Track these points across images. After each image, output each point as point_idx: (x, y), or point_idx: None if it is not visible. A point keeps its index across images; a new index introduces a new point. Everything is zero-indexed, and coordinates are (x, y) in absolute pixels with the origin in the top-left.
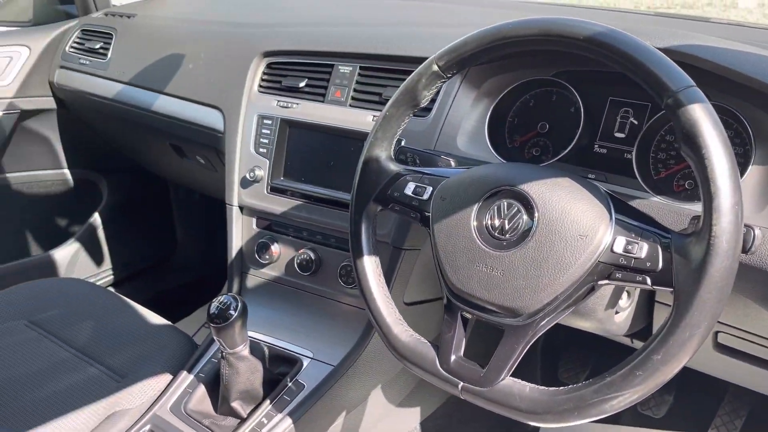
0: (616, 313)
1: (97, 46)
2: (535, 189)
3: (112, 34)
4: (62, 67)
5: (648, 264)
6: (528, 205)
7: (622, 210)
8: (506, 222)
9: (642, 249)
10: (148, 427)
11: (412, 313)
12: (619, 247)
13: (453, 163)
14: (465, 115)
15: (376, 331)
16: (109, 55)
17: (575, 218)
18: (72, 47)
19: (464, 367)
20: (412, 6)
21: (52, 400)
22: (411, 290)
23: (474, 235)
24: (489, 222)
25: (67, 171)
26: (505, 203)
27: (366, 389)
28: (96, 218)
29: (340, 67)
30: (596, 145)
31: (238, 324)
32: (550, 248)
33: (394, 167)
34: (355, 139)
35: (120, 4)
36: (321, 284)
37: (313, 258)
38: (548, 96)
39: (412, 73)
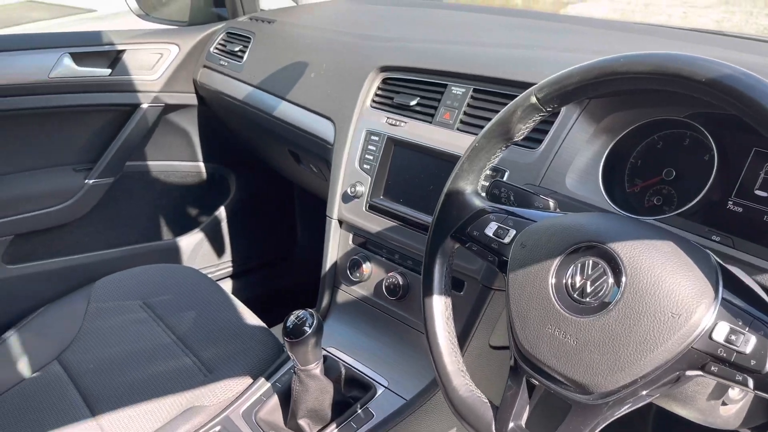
0: (724, 404)
1: (236, 49)
2: (626, 250)
3: (250, 38)
4: (205, 66)
5: (752, 362)
6: (616, 267)
7: (732, 288)
8: (588, 284)
9: (748, 342)
10: (218, 429)
11: (498, 357)
12: (720, 334)
13: (552, 205)
14: (579, 151)
15: (435, 378)
16: (244, 58)
17: (670, 291)
18: (216, 48)
19: None
20: (533, 27)
21: (145, 384)
22: (499, 333)
23: (550, 293)
24: (569, 281)
25: (201, 164)
26: (591, 262)
27: (436, 430)
28: (222, 211)
29: (453, 87)
30: (730, 202)
31: (312, 341)
32: (634, 323)
33: (478, 203)
34: None
35: (267, 9)
36: (406, 311)
37: (401, 283)
38: (679, 139)
39: (509, 104)
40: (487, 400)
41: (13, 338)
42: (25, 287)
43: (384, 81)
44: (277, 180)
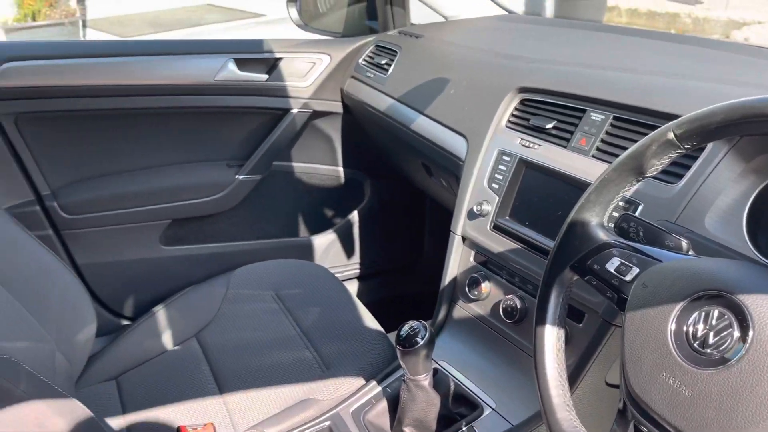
0: None
1: (383, 62)
2: (758, 303)
3: (396, 52)
4: (353, 77)
5: None
6: (744, 321)
7: None
8: (711, 335)
9: None
10: (327, 423)
11: (613, 395)
12: None
13: (684, 246)
14: (723, 190)
15: (540, 408)
16: (389, 71)
17: None
18: (364, 60)
19: None
20: (687, 54)
21: (268, 370)
22: (617, 370)
23: (669, 339)
24: (690, 329)
25: (340, 169)
26: (716, 312)
27: None
28: (355, 215)
29: (592, 113)
30: None
31: (423, 353)
32: (756, 382)
33: (602, 236)
34: None
35: (418, 24)
36: (521, 335)
37: (519, 306)
38: None
39: (644, 137)
40: None
41: (161, 313)
42: (175, 268)
43: (521, 102)
44: (410, 190)
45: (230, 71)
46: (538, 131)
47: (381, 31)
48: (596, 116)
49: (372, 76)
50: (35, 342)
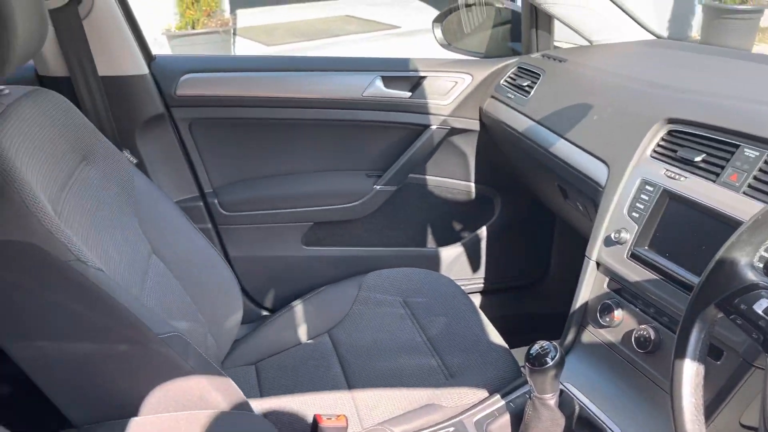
0: None
1: (524, 84)
2: None
3: (540, 75)
4: (493, 96)
5: None
6: None
7: None
8: None
9: None
10: (451, 429)
11: None
12: None
13: None
14: None
15: None
16: (531, 94)
17: None
18: (505, 81)
19: None
20: None
21: (393, 373)
22: (753, 412)
23: None
24: None
25: (472, 184)
26: None
27: None
28: (483, 230)
29: (746, 149)
30: None
31: (551, 373)
32: None
33: (751, 276)
34: None
35: (563, 47)
36: (653, 367)
37: (652, 337)
38: None
39: None
40: None
41: (298, 308)
42: (313, 267)
43: (669, 132)
44: (540, 210)
45: (377, 88)
46: (686, 163)
47: (524, 53)
48: (750, 152)
49: (512, 97)
50: (192, 323)
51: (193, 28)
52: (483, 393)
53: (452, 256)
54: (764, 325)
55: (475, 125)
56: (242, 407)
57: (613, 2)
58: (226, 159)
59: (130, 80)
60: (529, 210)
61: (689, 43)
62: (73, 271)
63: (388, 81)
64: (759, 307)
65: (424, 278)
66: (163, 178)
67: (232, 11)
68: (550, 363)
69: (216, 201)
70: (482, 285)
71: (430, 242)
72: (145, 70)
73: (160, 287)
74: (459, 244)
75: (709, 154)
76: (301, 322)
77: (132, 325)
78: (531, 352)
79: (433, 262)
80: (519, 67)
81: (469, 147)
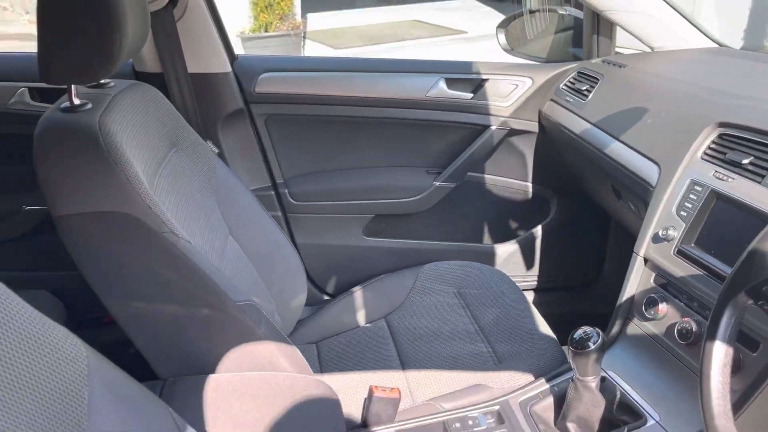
0: None
1: (583, 88)
2: None
3: (598, 80)
4: (552, 99)
5: None
6: None
7: None
8: None
9: None
10: (497, 408)
11: None
12: None
13: None
14: None
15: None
16: (589, 97)
17: None
18: (565, 85)
19: None
20: None
21: (445, 356)
22: None
23: None
24: None
25: (529, 184)
26: None
27: None
28: (538, 229)
29: None
30: None
31: (593, 357)
32: None
33: None
34: None
35: (624, 53)
36: (693, 358)
37: (694, 330)
38: None
39: None
40: None
41: (358, 294)
42: (372, 256)
43: (720, 136)
44: (595, 210)
45: (440, 89)
46: (734, 165)
47: (585, 58)
48: None
49: (571, 100)
50: (261, 301)
51: (266, 30)
52: (529, 377)
53: (507, 252)
54: None
55: (534, 127)
56: (305, 372)
57: (675, 10)
58: (297, 152)
59: (215, 77)
60: (585, 211)
61: (752, 52)
62: (166, 242)
63: (450, 82)
64: None
65: (479, 272)
66: (240, 168)
67: (303, 15)
68: (592, 347)
69: (286, 191)
70: (536, 283)
71: (486, 239)
72: (229, 69)
73: (234, 266)
74: (514, 241)
75: (756, 157)
76: (360, 307)
77: (213, 292)
78: (574, 336)
79: (488, 258)
80: (579, 72)
81: (527, 148)
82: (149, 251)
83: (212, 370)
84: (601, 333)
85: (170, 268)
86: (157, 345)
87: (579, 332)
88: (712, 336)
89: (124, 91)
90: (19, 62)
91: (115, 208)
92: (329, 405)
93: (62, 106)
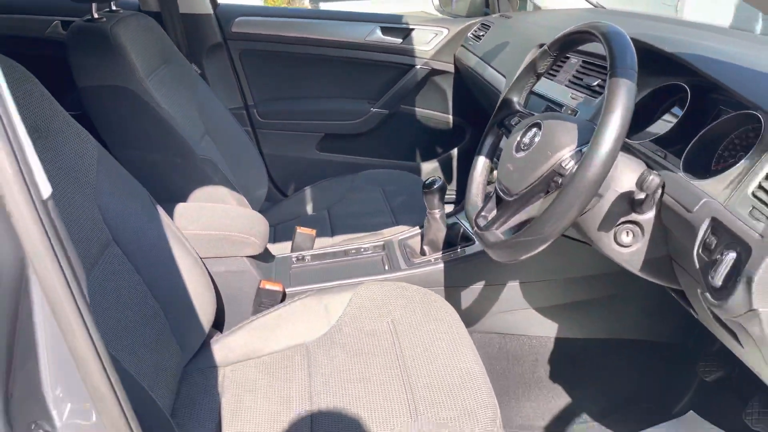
0: (619, 245)
1: (480, 34)
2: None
3: (490, 27)
4: (462, 45)
5: (568, 172)
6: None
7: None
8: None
9: (570, 163)
10: (382, 242)
11: None
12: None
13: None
14: None
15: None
16: (481, 40)
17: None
18: (472, 34)
19: (482, 220)
20: None
21: (360, 225)
22: None
23: (513, 148)
24: (521, 139)
25: (450, 116)
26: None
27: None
28: (455, 151)
29: (572, 59)
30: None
31: (437, 195)
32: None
33: (516, 107)
34: None
35: (527, 9)
36: None
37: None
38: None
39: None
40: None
41: (308, 191)
42: (323, 167)
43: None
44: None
45: (376, 35)
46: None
47: (491, 13)
48: (574, 60)
49: (472, 44)
50: (230, 190)
51: None
52: (415, 229)
53: (429, 168)
54: (511, 124)
55: (451, 68)
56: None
57: None
58: (264, 81)
59: (201, 17)
60: None
61: (631, 13)
62: (154, 111)
63: (385, 30)
64: (513, 121)
65: (399, 177)
66: (219, 91)
67: (314, 1)
68: (435, 188)
69: (255, 111)
70: (454, 195)
71: (415, 157)
72: (211, 11)
73: (208, 152)
74: (435, 160)
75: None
76: (309, 201)
77: (184, 147)
78: (426, 181)
79: (415, 173)
80: (481, 23)
81: (447, 86)
82: (142, 116)
83: (183, 200)
84: (443, 178)
85: (156, 128)
86: (144, 183)
87: (429, 180)
88: (479, 152)
89: (130, 16)
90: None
91: (119, 83)
92: (257, 222)
93: (85, 18)
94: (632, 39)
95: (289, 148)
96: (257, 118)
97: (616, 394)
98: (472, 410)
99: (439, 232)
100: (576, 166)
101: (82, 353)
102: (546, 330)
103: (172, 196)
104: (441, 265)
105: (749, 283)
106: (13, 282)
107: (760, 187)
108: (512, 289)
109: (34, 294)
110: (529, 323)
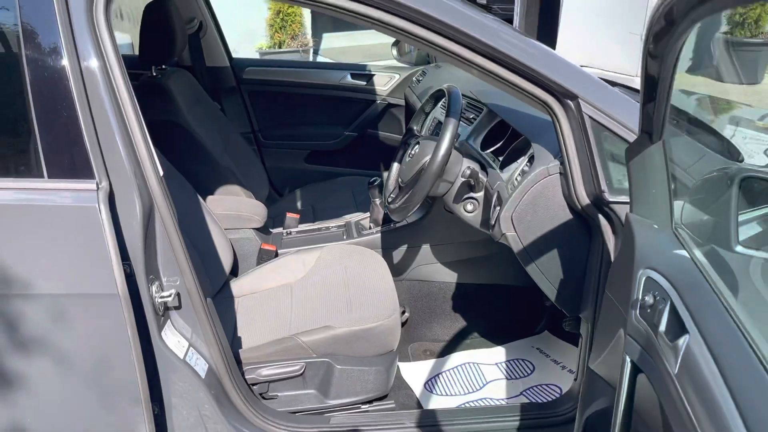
0: (467, 211)
1: (420, 78)
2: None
3: (426, 73)
4: (409, 87)
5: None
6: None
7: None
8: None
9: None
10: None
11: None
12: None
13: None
14: None
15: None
16: (420, 83)
17: None
18: (415, 78)
19: (390, 198)
20: None
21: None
22: None
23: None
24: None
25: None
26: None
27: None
28: None
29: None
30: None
31: (376, 189)
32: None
33: (415, 131)
34: None
35: None
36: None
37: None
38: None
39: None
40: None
41: (297, 193)
42: (310, 175)
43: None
44: None
45: (348, 79)
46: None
47: (431, 63)
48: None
49: (414, 86)
50: (242, 188)
51: (280, 47)
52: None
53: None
54: (410, 143)
55: (402, 103)
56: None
57: None
58: (266, 113)
59: (220, 69)
60: None
61: None
62: (191, 135)
63: (354, 75)
64: (413, 143)
65: (364, 182)
66: (233, 120)
67: (317, 35)
68: (375, 183)
69: (260, 135)
70: None
71: (378, 167)
72: (227, 64)
73: (229, 162)
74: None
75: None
76: (298, 199)
77: (211, 158)
78: (369, 180)
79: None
80: (422, 71)
81: (400, 115)
82: (183, 140)
83: (210, 194)
84: (382, 178)
85: (193, 147)
86: (189, 180)
87: (372, 179)
88: (393, 160)
89: (174, 73)
90: None
91: (169, 119)
92: (259, 207)
93: (148, 75)
94: (463, 95)
95: (284, 161)
96: (261, 140)
97: (496, 320)
98: (379, 310)
99: (379, 214)
100: (427, 164)
101: (176, 246)
102: (450, 278)
103: (206, 191)
104: (379, 235)
105: (498, 217)
106: (148, 212)
107: (522, 173)
108: (426, 249)
109: (157, 217)
110: (438, 273)
